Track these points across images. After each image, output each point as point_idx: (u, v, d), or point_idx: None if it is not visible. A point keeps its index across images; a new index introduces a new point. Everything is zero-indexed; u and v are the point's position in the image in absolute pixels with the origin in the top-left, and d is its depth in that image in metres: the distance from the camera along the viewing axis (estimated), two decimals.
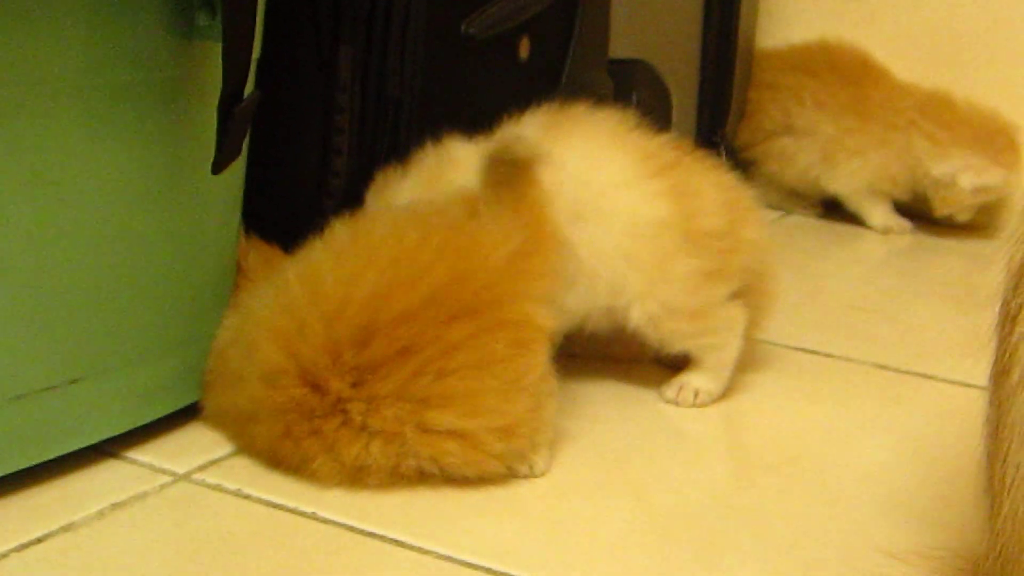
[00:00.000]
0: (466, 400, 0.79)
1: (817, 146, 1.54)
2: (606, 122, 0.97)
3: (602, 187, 0.93)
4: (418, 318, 0.79)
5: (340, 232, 0.86)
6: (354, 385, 0.79)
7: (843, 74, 1.55)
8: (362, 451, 0.79)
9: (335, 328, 0.79)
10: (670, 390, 0.98)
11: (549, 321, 0.83)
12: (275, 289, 0.85)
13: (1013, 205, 1.51)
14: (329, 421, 0.79)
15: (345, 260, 0.83)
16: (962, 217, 1.54)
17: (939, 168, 1.51)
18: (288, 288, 0.83)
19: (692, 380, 0.98)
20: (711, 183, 0.97)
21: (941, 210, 1.53)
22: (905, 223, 1.56)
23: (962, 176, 1.49)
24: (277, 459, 0.82)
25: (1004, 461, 0.61)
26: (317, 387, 0.79)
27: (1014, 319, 0.61)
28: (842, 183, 1.55)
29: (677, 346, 0.97)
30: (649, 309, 0.94)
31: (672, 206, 0.93)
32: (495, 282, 0.81)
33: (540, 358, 0.82)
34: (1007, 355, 0.62)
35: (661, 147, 0.96)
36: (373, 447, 0.79)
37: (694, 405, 0.97)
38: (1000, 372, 0.62)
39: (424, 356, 0.79)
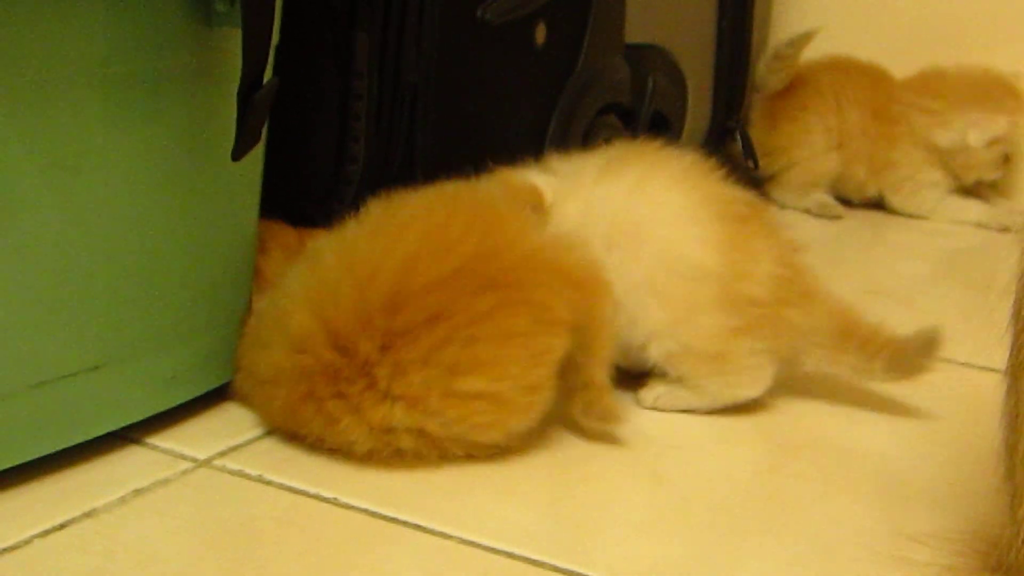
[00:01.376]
0: (494, 366, 0.81)
1: (872, 182, 1.56)
2: (677, 162, 0.94)
3: (643, 218, 0.91)
4: (447, 287, 0.81)
5: (374, 210, 0.88)
6: (382, 349, 0.80)
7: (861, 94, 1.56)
8: (387, 414, 0.80)
9: (367, 293, 0.81)
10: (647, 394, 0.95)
11: (567, 316, 0.83)
12: (309, 263, 0.87)
13: None
14: (355, 384, 0.80)
15: (378, 234, 0.85)
16: (991, 175, 1.53)
17: (944, 137, 1.51)
18: (322, 260, 0.85)
19: (672, 389, 0.94)
20: (772, 255, 0.92)
21: (968, 176, 1.52)
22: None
23: (969, 135, 1.49)
24: (297, 422, 0.83)
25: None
26: (345, 350, 0.81)
27: None
28: (921, 198, 1.55)
29: (696, 382, 0.93)
30: (668, 347, 0.91)
31: (721, 258, 0.90)
32: (519, 265, 0.83)
33: (560, 342, 0.83)
34: (1022, 350, 0.62)
35: (732, 199, 0.93)
36: (397, 410, 0.80)
37: (653, 406, 0.94)
38: (1016, 366, 0.63)
39: (452, 323, 0.80)
